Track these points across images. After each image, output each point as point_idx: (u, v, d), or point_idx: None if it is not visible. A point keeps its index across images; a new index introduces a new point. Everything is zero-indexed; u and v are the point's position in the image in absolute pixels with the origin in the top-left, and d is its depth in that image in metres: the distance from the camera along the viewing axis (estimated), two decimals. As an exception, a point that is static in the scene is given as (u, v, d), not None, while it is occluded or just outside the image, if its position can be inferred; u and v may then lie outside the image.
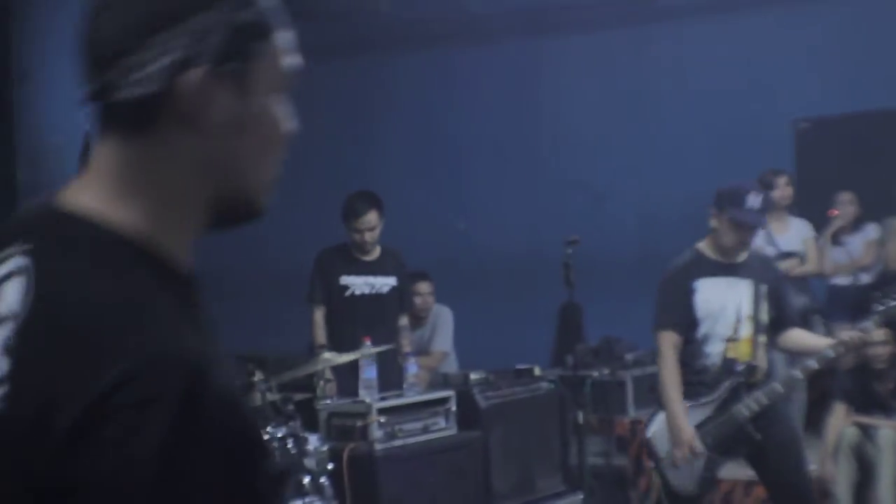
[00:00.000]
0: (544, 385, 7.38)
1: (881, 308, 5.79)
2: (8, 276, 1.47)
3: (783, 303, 6.09)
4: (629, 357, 8.67)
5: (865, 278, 9.69)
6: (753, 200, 5.84)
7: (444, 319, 9.20)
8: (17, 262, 1.47)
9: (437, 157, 12.80)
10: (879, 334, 7.84)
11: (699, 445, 5.80)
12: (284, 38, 1.60)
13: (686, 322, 5.95)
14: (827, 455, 7.92)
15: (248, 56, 1.55)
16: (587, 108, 12.16)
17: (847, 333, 5.86)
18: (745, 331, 5.90)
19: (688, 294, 5.98)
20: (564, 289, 7.71)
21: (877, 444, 7.79)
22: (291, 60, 1.61)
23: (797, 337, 6.14)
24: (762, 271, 6.06)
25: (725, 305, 5.94)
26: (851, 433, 7.87)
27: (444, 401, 6.67)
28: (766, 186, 9.26)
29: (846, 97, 11.04)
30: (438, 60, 12.73)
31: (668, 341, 5.97)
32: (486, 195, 12.57)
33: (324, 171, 12.50)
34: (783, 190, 9.29)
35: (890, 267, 9.52)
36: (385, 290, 7.84)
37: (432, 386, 7.51)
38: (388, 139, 12.93)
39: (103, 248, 1.48)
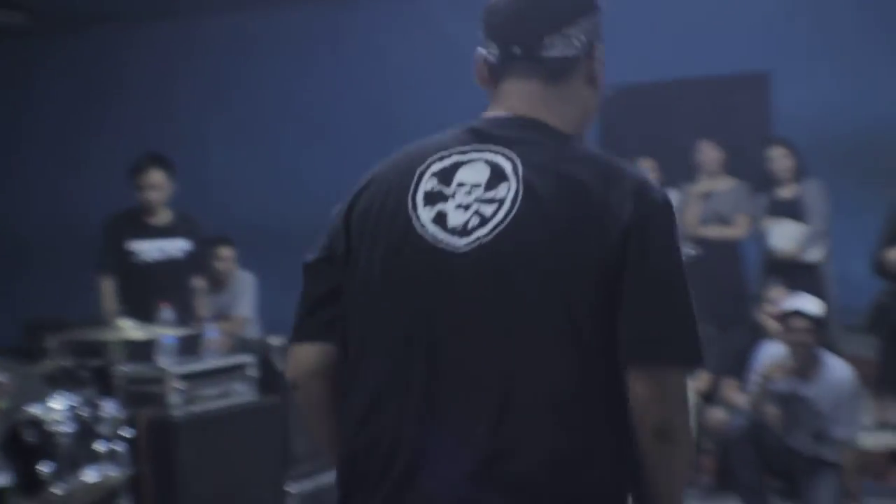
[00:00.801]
0: (345, 350, 7.36)
1: None
2: (467, 162, 2.39)
3: None
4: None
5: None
6: None
7: (245, 285, 9.13)
8: (481, 154, 2.39)
9: (246, 120, 12.68)
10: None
11: None
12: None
13: None
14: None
15: (601, 44, 2.48)
16: (390, 73, 12.17)
17: None
18: None
19: None
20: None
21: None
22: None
23: None
24: None
25: None
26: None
27: (243, 366, 6.60)
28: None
29: (649, 66, 11.22)
30: (241, 23, 12.63)
31: None
32: (293, 161, 12.50)
33: (124, 135, 12.31)
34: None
35: (687, 233, 9.72)
36: (178, 254, 7.75)
37: (232, 352, 7.43)
38: (193, 102, 12.76)
39: (555, 132, 2.41)
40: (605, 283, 2.24)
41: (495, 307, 2.26)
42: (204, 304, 7.90)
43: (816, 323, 7.07)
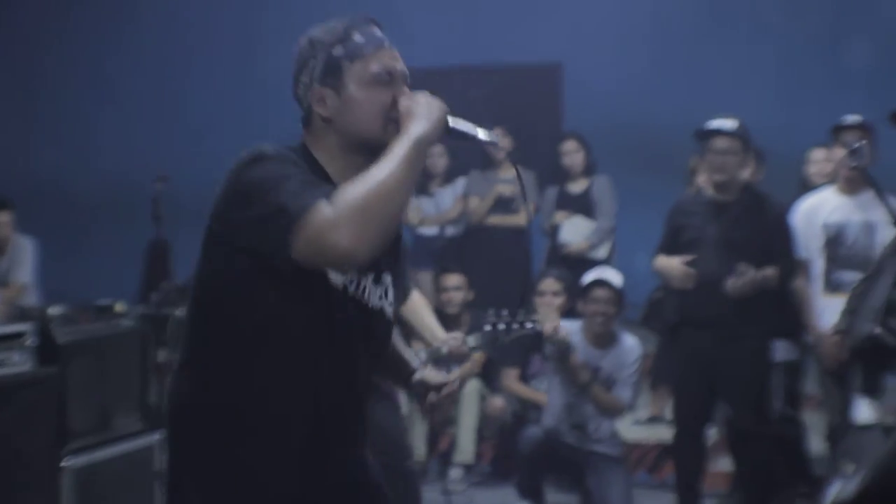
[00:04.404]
0: (126, 322, 7.21)
1: (488, 330, 5.69)
2: None
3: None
4: (215, 297, 8.52)
5: (451, 230, 9.96)
6: None
7: (25, 251, 8.87)
8: None
9: (32, 84, 12.38)
10: (453, 280, 8.07)
11: None
12: None
13: None
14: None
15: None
16: (189, 37, 12.02)
17: (456, 339, 5.66)
18: None
19: None
20: (153, 225, 7.58)
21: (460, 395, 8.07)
22: None
23: (418, 309, 5.77)
24: None
25: None
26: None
27: (20, 335, 6.40)
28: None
29: (443, 51, 11.28)
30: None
31: None
32: (79, 126, 12.24)
33: None
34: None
35: (472, 221, 9.79)
36: None
37: (9, 320, 7.21)
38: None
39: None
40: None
41: None
42: None
43: (617, 294, 7.17)
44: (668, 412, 7.91)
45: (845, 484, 1.87)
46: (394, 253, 3.22)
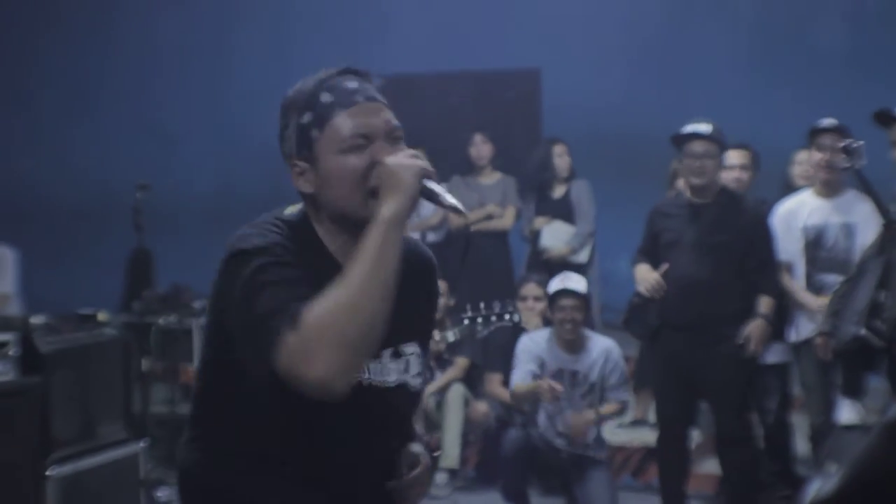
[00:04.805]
0: (108, 331, 7.20)
1: (466, 324, 5.71)
2: None
3: None
4: (197, 304, 8.55)
5: (432, 237, 9.96)
6: None
7: (5, 260, 8.85)
8: None
9: (10, 94, 12.35)
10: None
11: None
12: None
13: None
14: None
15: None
16: (165, 47, 12.01)
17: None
18: None
19: None
20: (135, 234, 7.57)
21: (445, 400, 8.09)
22: None
23: None
24: None
25: None
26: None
27: (3, 345, 6.40)
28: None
29: (423, 57, 11.30)
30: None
31: None
32: (56, 135, 12.21)
33: None
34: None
35: (453, 226, 9.80)
36: None
37: (-9, 329, 7.19)
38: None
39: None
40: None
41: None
42: None
43: (583, 300, 7.18)
44: (652, 415, 7.91)
45: (824, 482, 1.86)
46: (420, 320, 2.93)
